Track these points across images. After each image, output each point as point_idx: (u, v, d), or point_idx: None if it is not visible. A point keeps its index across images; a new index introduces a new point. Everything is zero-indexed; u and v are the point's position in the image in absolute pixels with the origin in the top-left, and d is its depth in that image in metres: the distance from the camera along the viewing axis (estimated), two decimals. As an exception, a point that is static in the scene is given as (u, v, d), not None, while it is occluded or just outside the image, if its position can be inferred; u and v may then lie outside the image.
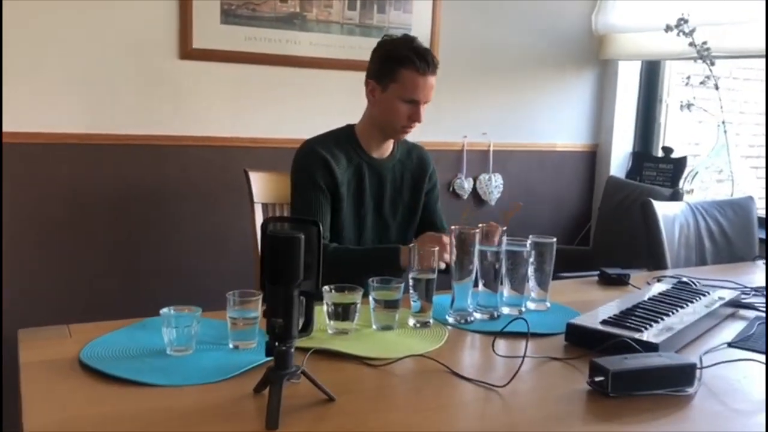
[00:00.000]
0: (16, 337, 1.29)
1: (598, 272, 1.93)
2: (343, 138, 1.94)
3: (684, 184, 3.04)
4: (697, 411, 1.12)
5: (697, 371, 1.20)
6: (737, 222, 2.59)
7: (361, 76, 1.90)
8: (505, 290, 1.57)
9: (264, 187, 2.22)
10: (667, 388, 1.15)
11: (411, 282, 1.46)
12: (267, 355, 1.04)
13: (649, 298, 1.59)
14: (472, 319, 1.50)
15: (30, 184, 2.43)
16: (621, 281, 1.88)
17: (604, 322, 1.39)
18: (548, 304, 1.62)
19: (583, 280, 1.96)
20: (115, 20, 2.45)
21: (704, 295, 1.64)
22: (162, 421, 1.00)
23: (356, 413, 1.05)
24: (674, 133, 3.42)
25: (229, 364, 1.18)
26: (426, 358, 1.27)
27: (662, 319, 1.42)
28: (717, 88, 2.82)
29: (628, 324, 1.37)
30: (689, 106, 2.94)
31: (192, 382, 1.12)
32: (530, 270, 1.59)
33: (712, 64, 2.77)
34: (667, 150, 3.26)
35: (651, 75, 3.43)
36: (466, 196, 3.19)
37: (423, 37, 2.81)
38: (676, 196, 2.85)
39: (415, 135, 1.98)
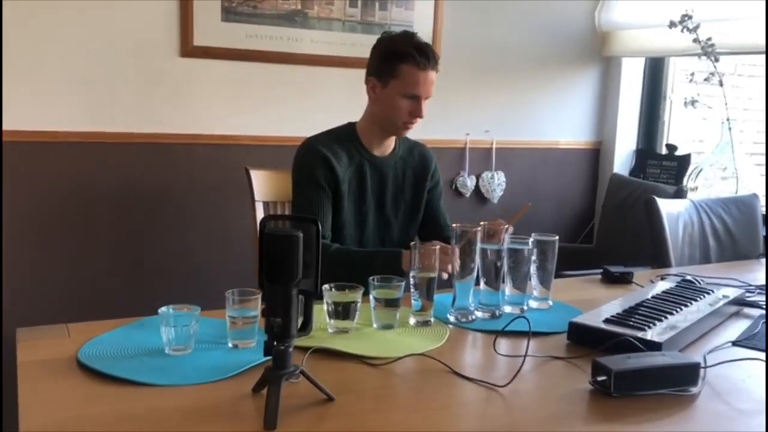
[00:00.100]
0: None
1: (601, 270, 1.92)
2: (345, 136, 1.92)
3: (688, 182, 3.02)
4: (700, 411, 1.11)
5: (701, 370, 1.19)
6: (741, 219, 2.57)
7: (363, 73, 1.89)
8: (507, 289, 1.56)
9: (265, 186, 2.21)
10: (671, 388, 1.14)
11: (412, 281, 1.45)
12: (265, 354, 1.03)
13: (653, 297, 1.57)
14: (474, 317, 1.49)
15: (30, 182, 2.42)
16: (624, 279, 1.86)
17: (606, 321, 1.37)
18: (550, 303, 1.60)
19: (586, 279, 1.94)
20: (115, 18, 2.45)
21: (708, 294, 1.62)
22: (159, 421, 0.99)
23: (356, 413, 1.04)
24: (678, 131, 3.40)
25: (227, 364, 1.17)
26: (427, 357, 1.26)
27: (666, 317, 1.41)
28: (721, 84, 2.81)
29: (631, 323, 1.36)
30: (693, 102, 2.92)
31: (190, 381, 1.11)
32: (532, 268, 1.58)
33: (717, 60, 2.75)
34: (671, 147, 3.24)
35: (655, 72, 3.41)
36: (468, 194, 3.17)
37: (425, 34, 2.81)
38: (680, 194, 2.83)
39: (417, 133, 1.96)
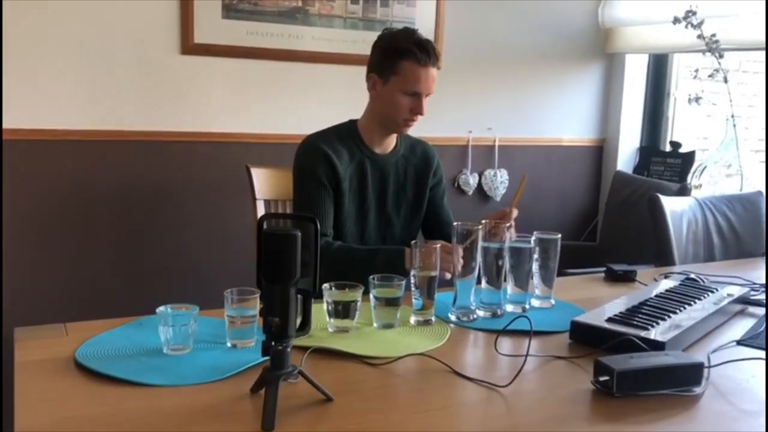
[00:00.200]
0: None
1: (604, 268, 1.90)
2: (345, 133, 1.91)
3: (692, 179, 3.00)
4: (703, 411, 1.09)
5: (705, 370, 1.18)
6: (746, 217, 2.55)
7: (364, 70, 1.88)
8: (509, 287, 1.54)
9: (266, 184, 2.20)
10: (674, 388, 1.12)
11: (413, 279, 1.44)
12: (263, 354, 1.02)
13: (656, 295, 1.56)
14: (475, 316, 1.47)
15: (30, 181, 2.42)
16: (627, 278, 1.85)
17: (609, 320, 1.36)
18: (553, 302, 1.59)
19: (589, 277, 1.93)
20: (115, 16, 2.44)
21: (712, 292, 1.61)
22: (157, 422, 0.98)
23: (355, 414, 1.03)
24: (682, 128, 3.38)
25: (226, 364, 1.16)
26: (427, 357, 1.24)
27: (669, 316, 1.39)
28: (726, 81, 2.78)
29: (634, 322, 1.34)
30: (697, 99, 2.90)
31: (188, 381, 1.10)
32: (534, 266, 1.57)
33: (721, 56, 2.73)
34: (675, 144, 3.22)
35: (659, 68, 3.39)
36: (471, 192, 3.16)
37: (427, 31, 2.78)
38: (683, 191, 2.81)
39: (419, 130, 1.95)
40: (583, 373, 1.20)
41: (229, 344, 1.25)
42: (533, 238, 1.54)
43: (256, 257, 1.04)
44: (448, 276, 1.52)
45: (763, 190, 2.69)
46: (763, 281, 1.82)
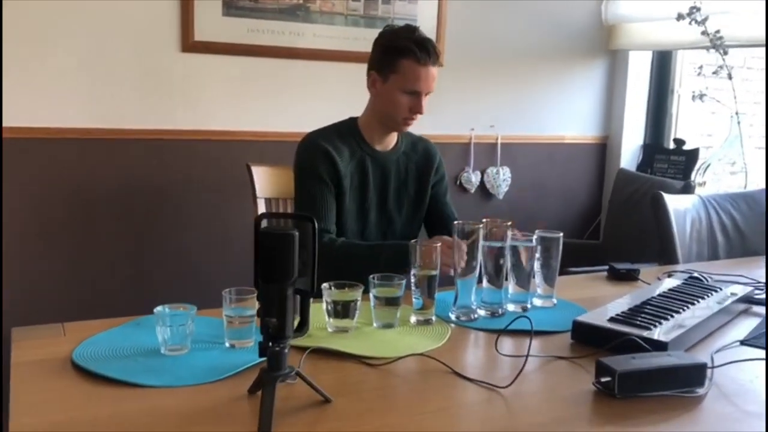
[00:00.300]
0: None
1: (606, 267, 1.89)
2: (346, 130, 1.90)
3: (696, 177, 2.98)
4: (706, 413, 1.08)
5: (708, 371, 1.16)
6: (751, 215, 2.53)
7: (365, 68, 1.87)
8: (510, 286, 1.53)
9: (267, 182, 2.19)
10: (677, 389, 1.11)
11: (413, 279, 1.42)
12: (260, 355, 1.01)
13: (659, 294, 1.54)
14: (476, 316, 1.46)
15: (29, 179, 2.41)
16: (630, 276, 1.83)
17: (611, 320, 1.34)
18: (555, 301, 1.58)
19: (591, 276, 1.91)
20: (115, 13, 2.43)
21: (716, 291, 1.59)
22: (153, 423, 0.97)
23: (353, 415, 1.02)
24: (686, 125, 3.36)
25: (224, 364, 1.15)
26: (427, 357, 1.23)
27: (672, 316, 1.38)
28: (730, 77, 2.77)
29: (636, 321, 1.33)
30: (702, 96, 2.88)
31: (185, 382, 1.09)
32: (536, 265, 1.55)
33: (725, 53, 2.71)
34: (679, 142, 3.20)
35: (662, 65, 3.37)
36: (473, 190, 3.14)
37: (428, 28, 2.78)
38: (687, 189, 2.80)
39: (421, 127, 1.94)
40: (585, 374, 1.18)
41: (227, 344, 1.24)
42: (535, 236, 1.53)
43: (254, 257, 1.02)
44: (451, 272, 1.50)
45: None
46: (768, 280, 1.81)
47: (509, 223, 1.49)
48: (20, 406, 1.01)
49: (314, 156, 1.83)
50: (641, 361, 1.12)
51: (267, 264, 1.00)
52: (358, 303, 1.35)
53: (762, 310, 1.60)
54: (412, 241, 1.46)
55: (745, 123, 2.86)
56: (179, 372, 1.13)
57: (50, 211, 2.46)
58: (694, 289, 1.60)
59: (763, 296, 1.67)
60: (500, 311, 1.49)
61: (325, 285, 1.34)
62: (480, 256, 1.45)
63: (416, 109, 1.80)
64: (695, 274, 1.79)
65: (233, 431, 0.97)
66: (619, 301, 1.49)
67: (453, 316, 1.45)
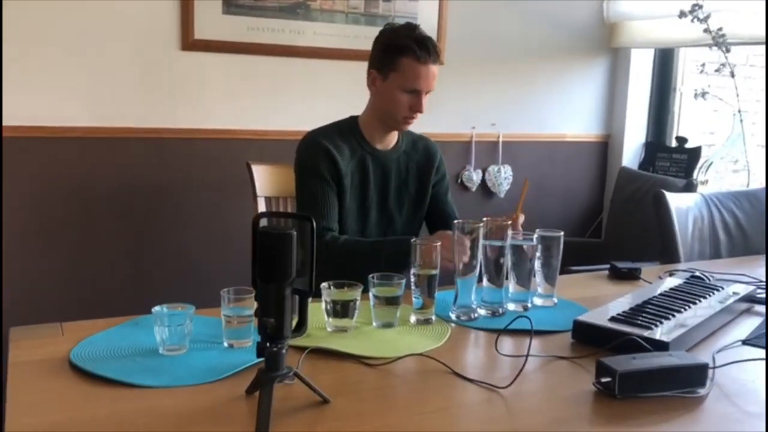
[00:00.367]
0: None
1: (608, 266, 1.88)
2: (346, 129, 1.89)
3: (698, 175, 2.97)
4: (707, 413, 1.07)
5: (710, 371, 1.15)
6: (753, 214, 2.51)
7: (366, 66, 1.86)
8: (511, 286, 1.52)
9: (267, 181, 2.19)
10: (678, 390, 1.10)
11: (413, 278, 1.42)
12: (258, 355, 1.00)
13: (661, 294, 1.53)
14: (476, 315, 1.45)
15: (29, 178, 2.41)
16: (632, 275, 1.83)
17: (612, 319, 1.34)
18: (555, 300, 1.57)
19: (592, 275, 1.90)
20: (115, 12, 2.42)
21: (718, 290, 1.58)
22: (151, 424, 0.97)
23: (351, 416, 1.01)
24: (689, 123, 3.35)
25: (222, 365, 1.14)
26: (427, 357, 1.22)
27: (673, 315, 1.37)
28: (733, 75, 2.76)
29: (637, 321, 1.32)
30: (704, 94, 2.87)
31: (183, 383, 1.09)
32: (537, 264, 1.54)
33: (728, 50, 2.70)
34: (681, 140, 3.19)
35: (664, 63, 3.35)
36: (474, 189, 3.14)
37: (430, 26, 2.77)
38: (689, 187, 2.78)
39: (422, 126, 1.93)
40: (585, 374, 1.17)
41: (225, 344, 1.24)
42: (535, 235, 1.52)
43: (252, 256, 1.02)
44: (452, 268, 1.46)
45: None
46: (770, 279, 1.80)
47: (509, 222, 1.48)
48: (17, 406, 1.01)
49: (315, 154, 1.82)
50: (642, 362, 1.11)
51: (265, 264, 0.99)
52: (358, 302, 1.35)
53: (764, 309, 1.58)
54: (413, 239, 1.45)
55: (748, 121, 2.85)
56: (177, 372, 1.12)
57: (50, 209, 2.45)
58: (696, 289, 1.59)
59: (765, 295, 1.66)
60: (501, 311, 1.48)
61: (324, 284, 1.34)
62: (480, 255, 1.44)
63: (416, 108, 1.79)
64: (697, 273, 1.78)
65: (231, 432, 0.96)
66: (620, 300, 1.48)
67: (453, 316, 1.45)
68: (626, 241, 3.00)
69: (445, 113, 2.96)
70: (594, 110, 3.38)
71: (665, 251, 2.32)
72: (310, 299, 1.09)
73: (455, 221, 1.45)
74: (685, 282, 1.67)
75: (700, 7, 2.68)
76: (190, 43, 2.51)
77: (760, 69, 3.16)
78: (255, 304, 1.18)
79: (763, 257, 2.22)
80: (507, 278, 1.50)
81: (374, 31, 1.87)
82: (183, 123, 2.57)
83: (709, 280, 1.73)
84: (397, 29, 1.81)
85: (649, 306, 1.43)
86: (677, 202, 2.37)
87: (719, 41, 2.68)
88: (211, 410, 1.02)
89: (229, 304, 1.24)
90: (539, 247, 1.54)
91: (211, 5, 2.51)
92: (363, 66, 1.88)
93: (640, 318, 1.34)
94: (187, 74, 2.55)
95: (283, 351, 1.00)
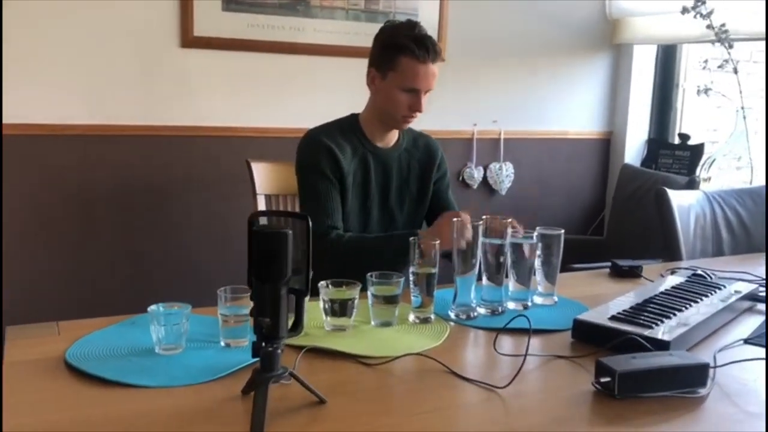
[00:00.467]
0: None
1: (609, 264, 1.86)
2: (347, 127, 1.88)
3: (701, 172, 2.95)
4: (708, 413, 1.06)
5: (711, 370, 1.14)
6: (756, 211, 2.50)
7: (366, 63, 1.84)
8: (510, 284, 1.51)
9: (267, 178, 2.18)
10: (678, 389, 1.09)
11: (411, 276, 1.41)
12: (253, 355, 0.99)
13: (662, 292, 1.52)
14: (476, 314, 1.44)
15: (28, 176, 2.41)
16: (633, 273, 1.81)
17: (613, 318, 1.32)
18: (555, 299, 1.56)
19: (593, 273, 1.89)
20: (114, 9, 2.42)
21: (720, 289, 1.57)
22: (145, 424, 0.96)
23: (347, 416, 1.01)
24: (691, 120, 3.33)
25: (218, 364, 1.14)
26: (425, 356, 1.21)
27: (674, 314, 1.36)
28: (736, 72, 2.74)
29: (638, 320, 1.31)
30: (707, 91, 2.85)
31: (179, 383, 1.08)
32: (537, 263, 1.53)
33: (731, 47, 2.68)
34: (684, 137, 3.17)
35: (667, 59, 3.34)
36: (476, 186, 3.12)
37: (430, 23, 2.76)
38: (692, 185, 2.77)
39: (423, 123, 1.92)
40: (585, 373, 1.16)
41: (222, 343, 1.23)
42: (535, 233, 1.51)
43: (248, 256, 1.01)
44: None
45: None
46: (772, 277, 1.78)
47: (509, 220, 1.47)
48: (12, 406, 1.00)
49: (317, 152, 1.81)
50: (642, 361, 1.10)
51: (260, 263, 0.98)
52: (356, 301, 1.34)
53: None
54: (410, 239, 1.43)
55: (751, 117, 2.83)
56: (173, 372, 1.11)
57: (48, 206, 2.45)
58: (698, 287, 1.58)
59: (768, 294, 1.65)
60: (500, 309, 1.47)
61: (322, 283, 1.33)
62: (480, 253, 1.43)
63: (415, 108, 1.78)
64: (698, 272, 1.77)
65: (226, 432, 0.95)
66: (621, 299, 1.47)
67: (452, 315, 1.44)
68: (628, 238, 2.99)
69: (447, 110, 2.95)
70: (596, 107, 3.36)
71: (667, 249, 2.30)
72: (307, 298, 1.08)
73: (454, 219, 1.44)
74: (686, 280, 1.66)
75: (703, 3, 2.67)
76: (189, 40, 2.50)
77: (763, 65, 3.13)
78: (251, 304, 1.17)
79: (764, 255, 2.20)
80: (507, 276, 1.49)
81: (375, 28, 1.86)
82: (183, 120, 2.56)
83: (710, 278, 1.71)
84: (397, 27, 1.80)
85: (650, 305, 1.41)
86: (679, 199, 2.35)
87: (722, 37, 2.66)
88: (207, 410, 1.01)
89: (225, 303, 1.23)
90: (539, 245, 1.53)
91: (210, 2, 2.51)
92: (363, 63, 1.86)
93: (641, 317, 1.33)
94: (186, 71, 2.54)
95: (279, 351, 0.99)
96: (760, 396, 1.12)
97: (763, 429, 1.01)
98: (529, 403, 1.08)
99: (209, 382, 1.09)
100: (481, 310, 1.46)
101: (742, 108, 2.80)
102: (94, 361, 1.13)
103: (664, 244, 2.33)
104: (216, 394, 1.05)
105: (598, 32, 3.27)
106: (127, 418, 0.98)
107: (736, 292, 1.56)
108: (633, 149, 3.38)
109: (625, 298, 1.48)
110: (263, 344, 0.98)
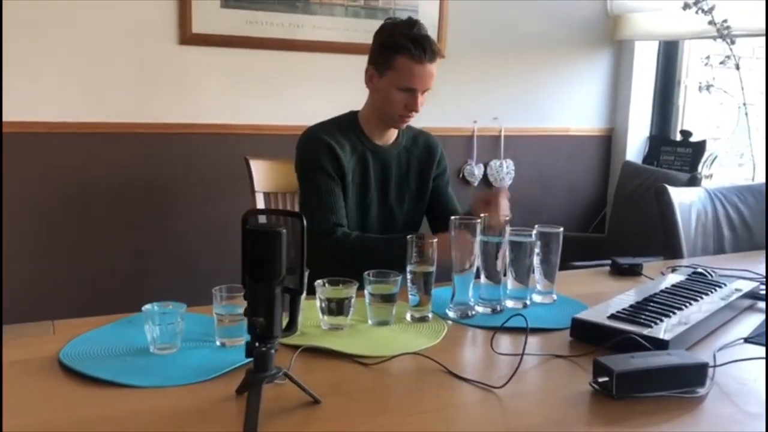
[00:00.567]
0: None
1: (609, 262, 1.85)
2: (347, 125, 1.87)
3: (703, 169, 2.94)
4: (706, 413, 1.05)
5: (710, 370, 1.13)
6: (758, 209, 2.48)
7: (366, 60, 1.83)
8: (509, 282, 1.50)
9: (266, 176, 2.17)
10: (677, 389, 1.08)
11: (409, 275, 1.40)
12: (247, 355, 0.98)
13: (662, 291, 1.51)
14: (474, 313, 1.43)
15: (26, 174, 2.40)
16: (633, 271, 1.80)
17: (612, 317, 1.31)
18: (555, 297, 1.55)
19: (593, 270, 1.88)
20: (113, 6, 2.41)
21: (720, 287, 1.56)
22: (139, 425, 0.96)
23: (343, 416, 1.00)
24: (693, 116, 3.31)
25: (213, 364, 1.13)
26: (422, 356, 1.21)
27: (674, 313, 1.35)
28: (738, 68, 2.72)
29: (637, 319, 1.30)
30: (709, 87, 2.84)
31: (173, 383, 1.07)
32: (536, 261, 1.52)
33: (733, 43, 2.66)
34: (686, 133, 3.15)
35: (669, 55, 3.32)
36: (476, 183, 3.11)
37: (430, 20, 2.75)
38: (693, 182, 2.75)
39: (423, 120, 1.91)
40: (583, 373, 1.15)
41: (218, 343, 1.22)
42: (534, 231, 1.50)
43: (242, 255, 1.00)
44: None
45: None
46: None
47: (507, 218, 1.46)
48: (6, 405, 0.99)
49: (318, 150, 1.80)
50: (640, 361, 1.09)
51: (254, 262, 0.97)
52: (353, 300, 1.33)
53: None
54: (408, 237, 1.42)
55: (753, 114, 2.81)
56: (167, 372, 1.10)
57: (48, 203, 2.45)
58: (698, 285, 1.56)
59: (769, 292, 1.63)
60: (499, 308, 1.46)
61: (318, 282, 1.32)
62: (478, 252, 1.42)
63: (411, 107, 1.76)
64: (699, 270, 1.76)
65: (220, 433, 0.95)
66: (621, 297, 1.46)
67: (450, 313, 1.43)
68: (630, 236, 2.97)
69: (447, 107, 2.94)
70: (597, 104, 3.35)
71: (668, 247, 2.29)
72: (303, 297, 1.07)
73: (452, 217, 1.43)
74: (686, 278, 1.64)
75: (705, -2, 2.65)
76: (188, 37, 2.50)
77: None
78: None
79: (765, 252, 2.19)
80: (505, 275, 1.48)
81: (374, 25, 1.85)
82: (181, 118, 2.55)
83: (711, 276, 1.70)
84: (396, 25, 1.78)
85: (650, 303, 1.40)
86: (680, 197, 2.34)
87: (724, 33, 2.65)
88: (201, 410, 1.00)
89: (221, 302, 1.22)
90: (538, 243, 1.51)
91: (209, -1, 2.50)
92: (363, 60, 1.85)
93: (640, 316, 1.32)
94: (185, 69, 2.53)
95: (273, 351, 0.98)
96: (760, 396, 1.11)
97: (763, 429, 1.00)
98: (526, 404, 1.07)
99: (204, 382, 1.08)
100: (480, 309, 1.45)
101: (744, 104, 2.78)
102: (88, 361, 1.13)
103: (664, 242, 2.32)
104: (211, 394, 1.05)
105: (599, 28, 3.25)
106: (121, 418, 0.97)
107: (737, 290, 1.55)
108: (634, 146, 3.36)
109: (624, 296, 1.46)
110: (257, 344, 0.97)
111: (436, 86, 1.80)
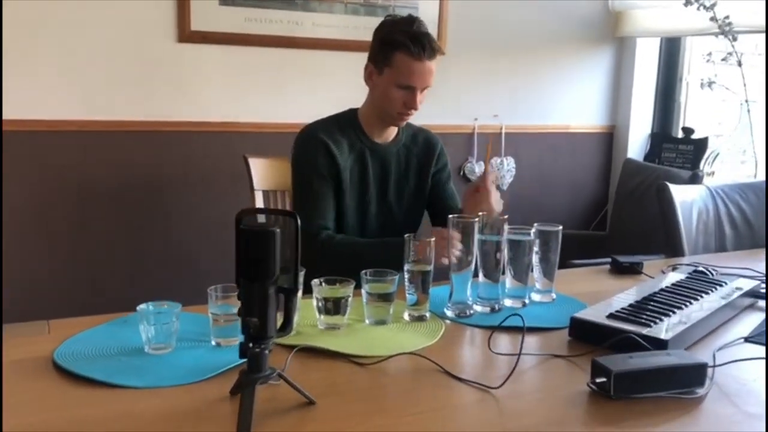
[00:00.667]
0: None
1: (609, 260, 1.84)
2: (346, 122, 1.86)
3: (705, 166, 2.92)
4: (705, 414, 1.04)
5: (709, 370, 1.12)
6: (759, 207, 2.47)
7: (366, 57, 1.82)
8: (508, 281, 1.49)
9: (265, 174, 2.16)
10: (676, 390, 1.07)
11: (406, 274, 1.39)
12: (241, 356, 0.97)
13: (662, 289, 1.50)
14: (472, 312, 1.42)
15: (25, 172, 2.40)
16: (633, 270, 1.79)
17: (611, 316, 1.30)
18: (554, 296, 1.54)
19: (593, 269, 1.87)
20: (112, 4, 2.40)
21: (721, 286, 1.54)
22: (134, 425, 0.95)
23: (338, 417, 0.99)
24: (695, 113, 3.30)
25: (208, 364, 1.12)
26: (419, 356, 1.20)
27: (674, 312, 1.34)
28: (740, 64, 2.71)
29: (636, 318, 1.29)
30: (711, 84, 2.82)
31: (167, 383, 1.06)
32: (535, 259, 1.51)
33: (735, 39, 2.65)
34: (688, 130, 3.14)
35: (670, 52, 3.30)
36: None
37: (430, 16, 2.74)
38: (695, 179, 2.74)
39: (423, 118, 1.89)
40: (581, 373, 1.14)
41: (213, 342, 1.21)
42: (533, 230, 1.49)
43: (236, 255, 0.99)
44: (446, 262, 1.45)
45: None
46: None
47: (505, 217, 1.45)
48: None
49: (312, 149, 1.79)
50: (639, 361, 1.08)
51: (248, 263, 0.97)
52: (350, 300, 1.32)
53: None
54: (406, 236, 1.41)
55: (756, 111, 2.79)
56: (162, 372, 1.10)
57: (47, 201, 2.44)
58: (698, 284, 1.55)
59: (770, 291, 1.62)
60: (497, 307, 1.45)
61: (315, 281, 1.31)
62: (476, 250, 1.41)
63: (410, 105, 1.75)
64: (700, 268, 1.74)
65: (213, 434, 0.94)
66: (620, 296, 1.45)
67: (448, 312, 1.42)
68: (631, 233, 2.96)
69: (447, 104, 2.93)
70: (599, 101, 3.33)
71: (669, 245, 2.28)
72: (299, 296, 1.06)
73: (450, 216, 1.42)
74: (687, 277, 1.63)
75: (707, -6, 2.64)
76: (186, 34, 2.49)
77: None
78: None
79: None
80: (503, 273, 1.47)
81: (374, 22, 1.84)
82: (180, 116, 2.55)
83: (712, 274, 1.69)
84: (396, 22, 1.77)
85: (649, 302, 1.39)
86: (682, 194, 2.33)
87: (726, 30, 2.63)
88: (195, 411, 0.99)
89: (216, 301, 1.21)
90: (537, 241, 1.50)
91: (208, -4, 2.49)
92: (363, 57, 1.84)
93: (639, 315, 1.30)
94: (184, 66, 2.53)
95: (266, 351, 0.97)
96: (760, 396, 1.10)
97: (763, 430, 0.99)
98: (523, 404, 1.06)
99: (199, 382, 1.07)
100: (478, 308, 1.44)
101: (747, 101, 2.76)
102: (83, 361, 1.12)
103: (665, 240, 2.31)
104: (205, 395, 1.04)
105: (601, 25, 3.23)
106: (115, 418, 0.97)
107: (737, 288, 1.53)
108: (636, 143, 3.35)
109: (624, 295, 1.45)
110: (251, 345, 0.96)
111: (437, 83, 1.79)
